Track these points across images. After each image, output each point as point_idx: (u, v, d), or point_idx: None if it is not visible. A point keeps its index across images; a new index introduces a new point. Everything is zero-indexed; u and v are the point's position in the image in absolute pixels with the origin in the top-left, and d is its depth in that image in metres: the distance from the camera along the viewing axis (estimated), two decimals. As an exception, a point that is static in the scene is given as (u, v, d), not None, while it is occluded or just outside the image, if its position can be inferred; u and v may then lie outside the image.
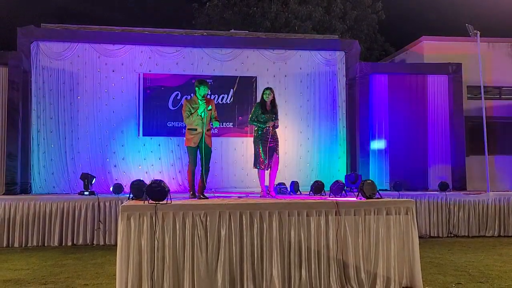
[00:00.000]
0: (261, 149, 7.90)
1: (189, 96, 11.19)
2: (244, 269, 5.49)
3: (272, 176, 8.07)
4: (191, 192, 7.43)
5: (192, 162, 7.48)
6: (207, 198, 7.29)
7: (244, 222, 5.55)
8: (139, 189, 6.18)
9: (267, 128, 7.88)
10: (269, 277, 5.53)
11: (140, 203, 5.57)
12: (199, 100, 7.44)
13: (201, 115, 7.34)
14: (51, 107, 11.99)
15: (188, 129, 7.49)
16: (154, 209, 5.31)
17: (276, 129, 8.04)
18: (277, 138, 8.06)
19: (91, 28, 12.84)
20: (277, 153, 8.02)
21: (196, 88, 7.52)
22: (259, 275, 5.53)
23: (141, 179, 7.10)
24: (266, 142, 7.87)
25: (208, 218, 5.46)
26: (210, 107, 7.46)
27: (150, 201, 5.45)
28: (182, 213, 5.41)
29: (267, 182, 8.18)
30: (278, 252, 5.58)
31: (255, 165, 8.05)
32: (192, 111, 7.40)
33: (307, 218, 5.74)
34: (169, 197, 5.54)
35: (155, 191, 5.47)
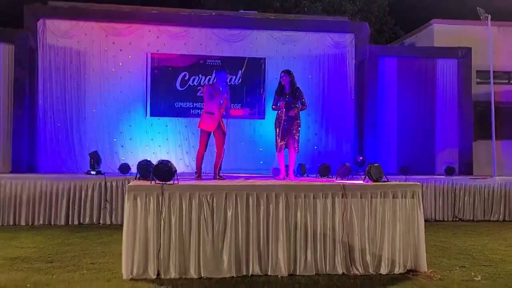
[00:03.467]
0: (275, 132, 7.91)
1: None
2: (250, 250, 5.50)
3: (291, 160, 8.04)
4: (197, 175, 7.50)
5: (204, 146, 7.62)
6: (223, 178, 7.47)
7: (250, 203, 5.54)
8: (146, 169, 6.17)
9: (282, 110, 7.84)
10: (275, 259, 5.54)
11: (147, 183, 5.57)
12: (220, 87, 7.63)
13: (220, 102, 7.57)
14: (58, 86, 11.97)
15: (206, 112, 7.62)
16: (160, 189, 5.32)
17: (302, 110, 8.01)
18: (295, 121, 7.90)
19: (98, 6, 12.75)
20: (293, 137, 7.91)
21: (216, 75, 7.86)
22: (265, 256, 5.55)
23: (148, 159, 7.08)
24: (280, 125, 7.84)
25: (214, 199, 5.46)
26: (227, 97, 7.70)
27: (157, 182, 5.45)
28: (188, 193, 5.41)
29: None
30: (284, 233, 5.58)
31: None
32: (213, 95, 7.56)
33: (314, 200, 5.73)
34: (176, 177, 5.53)
35: (162, 171, 5.47)
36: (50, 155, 11.82)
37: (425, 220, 10.10)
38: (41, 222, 9.45)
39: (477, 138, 13.47)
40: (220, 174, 7.66)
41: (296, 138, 7.95)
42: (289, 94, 7.87)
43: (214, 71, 7.96)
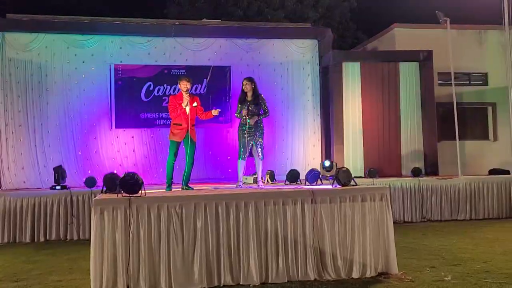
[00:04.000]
0: (240, 140, 7.87)
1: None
2: (221, 260, 5.45)
3: (257, 167, 8.03)
4: (167, 185, 7.40)
5: (172, 156, 7.51)
6: (192, 189, 7.38)
7: (220, 212, 5.50)
8: (112, 182, 6.07)
9: (244, 117, 7.81)
10: (247, 268, 5.50)
11: (114, 196, 5.47)
12: (184, 95, 7.46)
13: (185, 110, 7.39)
14: (19, 100, 11.73)
15: (174, 123, 7.55)
16: (128, 202, 5.23)
17: (264, 117, 7.97)
18: (258, 129, 7.88)
19: (59, 18, 12.57)
20: (257, 144, 7.88)
21: (178, 85, 7.70)
22: (236, 265, 5.50)
23: (115, 171, 6.98)
24: (244, 133, 7.81)
25: (183, 210, 5.39)
26: (195, 104, 7.50)
27: (124, 194, 5.36)
28: (157, 205, 5.33)
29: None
30: (254, 242, 5.54)
31: (238, 156, 8.01)
32: (177, 106, 7.46)
33: (283, 207, 5.71)
34: (143, 189, 5.45)
35: (128, 183, 5.38)
36: (13, 170, 11.58)
37: (394, 222, 10.19)
38: (5, 240, 9.22)
39: (441, 138, 13.71)
40: (189, 185, 7.57)
41: (260, 145, 7.94)
42: (251, 101, 7.85)
43: (177, 81, 7.78)
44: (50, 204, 9.48)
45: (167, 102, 7.85)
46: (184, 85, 7.47)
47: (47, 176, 11.32)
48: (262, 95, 8.04)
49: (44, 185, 11.23)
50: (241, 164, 7.91)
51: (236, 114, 8.07)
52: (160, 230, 5.31)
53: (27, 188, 11.04)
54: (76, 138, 11.94)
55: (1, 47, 11.67)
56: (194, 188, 7.66)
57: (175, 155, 7.53)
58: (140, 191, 5.42)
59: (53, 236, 9.42)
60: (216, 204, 5.50)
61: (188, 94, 7.44)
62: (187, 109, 7.41)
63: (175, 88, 11.98)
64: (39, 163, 11.71)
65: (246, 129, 7.77)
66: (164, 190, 7.23)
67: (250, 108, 7.77)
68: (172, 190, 7.28)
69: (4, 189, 11.12)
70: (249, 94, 7.89)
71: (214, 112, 7.67)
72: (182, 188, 7.42)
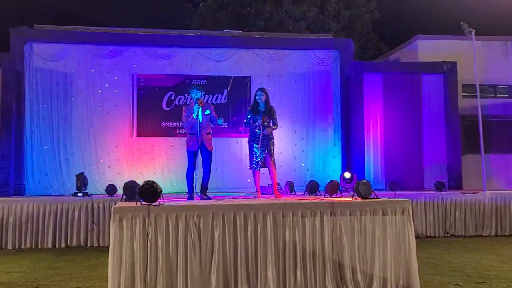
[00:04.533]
0: (254, 150, 7.86)
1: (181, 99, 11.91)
2: (238, 271, 5.41)
3: (273, 177, 8.02)
4: (189, 195, 7.44)
5: (191, 166, 7.60)
6: (210, 198, 7.43)
7: (238, 223, 5.47)
8: (132, 191, 6.09)
9: (257, 127, 7.81)
10: (264, 279, 5.45)
11: (133, 204, 5.49)
12: (195, 105, 7.51)
13: (198, 119, 7.42)
14: (45, 108, 11.92)
15: (188, 134, 7.66)
16: (146, 210, 5.24)
17: (274, 129, 7.97)
18: (271, 139, 7.96)
19: (85, 29, 12.83)
20: (270, 155, 7.91)
21: (190, 93, 7.77)
22: (253, 276, 5.45)
23: (135, 180, 7.00)
24: (257, 142, 7.80)
25: (201, 220, 5.38)
26: (208, 112, 7.52)
27: (143, 203, 5.37)
28: (175, 214, 5.33)
29: (262, 183, 8.17)
30: (272, 253, 5.50)
31: (250, 166, 8.02)
32: (189, 116, 7.54)
33: (302, 219, 5.66)
34: (162, 198, 5.46)
35: (147, 192, 5.38)
36: (37, 177, 11.76)
37: (416, 237, 10.05)
38: (28, 245, 9.32)
39: (465, 152, 13.51)
40: (207, 194, 7.60)
41: (273, 155, 7.95)
42: (265, 112, 7.87)
43: (189, 90, 7.91)
44: (71, 210, 9.57)
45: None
46: (194, 94, 7.57)
47: (70, 183, 11.45)
48: (274, 108, 8.07)
49: (67, 192, 11.37)
50: (257, 175, 7.90)
51: (245, 123, 8.07)
52: (178, 239, 5.31)
53: (50, 195, 11.16)
54: (98, 146, 12.07)
55: (29, 57, 11.88)
56: (213, 197, 7.66)
57: (194, 165, 7.60)
58: (159, 200, 5.42)
59: (74, 243, 9.49)
60: (234, 214, 5.47)
61: (198, 104, 7.48)
62: (199, 118, 7.45)
63: (196, 98, 12.03)
64: (62, 170, 11.87)
65: (260, 140, 7.76)
66: (185, 200, 7.24)
67: (264, 119, 7.81)
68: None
69: (28, 195, 11.27)
70: (262, 105, 7.91)
71: (219, 120, 7.72)
72: (201, 198, 7.47)
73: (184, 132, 11.90)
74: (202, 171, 7.65)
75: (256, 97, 7.98)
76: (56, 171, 11.86)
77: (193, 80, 12.39)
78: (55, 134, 11.92)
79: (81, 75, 12.13)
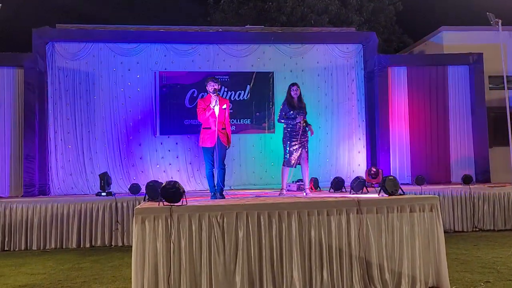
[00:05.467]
0: (288, 146, 7.77)
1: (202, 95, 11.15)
2: (263, 271, 5.31)
3: (304, 174, 7.93)
4: (212, 194, 7.23)
5: (210, 164, 7.21)
6: (224, 198, 7.15)
7: (262, 222, 5.37)
8: (154, 190, 6.04)
9: (298, 124, 7.71)
10: (290, 279, 5.34)
11: (155, 204, 5.43)
12: (212, 96, 7.21)
13: (214, 112, 7.12)
14: (68, 107, 11.96)
15: (203, 128, 7.27)
16: (169, 211, 5.16)
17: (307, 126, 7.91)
18: (306, 135, 7.90)
19: (106, 27, 12.83)
20: (306, 150, 7.85)
21: (206, 87, 7.39)
22: (279, 277, 5.35)
23: (157, 179, 6.96)
24: (296, 139, 7.71)
25: (225, 219, 5.30)
26: (224, 106, 7.24)
27: (165, 203, 5.30)
28: (198, 214, 5.25)
29: (289, 180, 8.11)
30: (298, 253, 5.39)
31: (283, 163, 7.92)
32: (205, 108, 7.18)
33: (328, 217, 5.54)
34: (184, 198, 5.38)
35: (169, 192, 5.31)
36: (62, 177, 11.79)
37: (444, 232, 9.90)
38: (52, 246, 9.32)
39: (493, 144, 13.23)
40: (223, 193, 7.27)
41: (307, 152, 7.87)
42: (300, 107, 7.79)
43: (204, 83, 7.50)
44: (95, 210, 9.56)
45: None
46: (211, 86, 7.20)
47: (94, 182, 11.51)
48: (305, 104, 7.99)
49: (91, 191, 11.41)
50: (286, 172, 7.82)
51: (281, 120, 7.96)
52: (201, 239, 5.23)
53: (74, 194, 11.20)
54: (121, 145, 12.07)
55: (51, 56, 11.92)
56: (237, 195, 7.54)
57: (211, 161, 7.20)
58: (181, 200, 5.35)
59: (99, 242, 9.49)
60: (258, 214, 5.37)
61: (216, 95, 7.17)
62: (216, 110, 7.11)
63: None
64: (86, 169, 11.90)
65: (300, 135, 7.68)
66: (208, 199, 7.09)
67: (301, 115, 7.74)
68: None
69: (53, 195, 11.33)
70: (296, 100, 7.80)
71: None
72: (216, 197, 7.17)
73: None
74: (217, 169, 7.25)
75: (291, 92, 7.88)
76: (80, 171, 11.89)
77: (216, 77, 12.27)
78: (78, 134, 11.95)
79: (103, 73, 12.15)
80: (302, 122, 7.72)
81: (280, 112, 7.99)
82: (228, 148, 7.45)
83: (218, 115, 7.16)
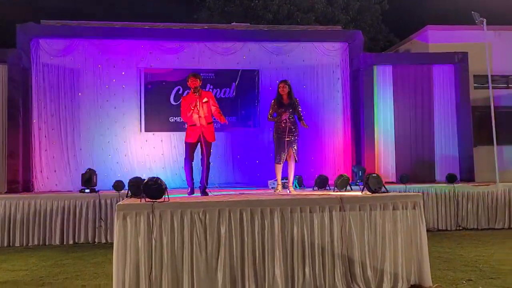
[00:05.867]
0: (276, 144, 7.76)
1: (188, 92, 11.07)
2: (245, 268, 5.29)
3: (290, 172, 7.92)
4: (189, 189, 7.22)
5: (189, 157, 7.26)
6: (207, 195, 7.12)
7: (244, 219, 5.34)
8: (137, 187, 5.99)
9: (283, 121, 7.69)
10: (272, 276, 5.33)
11: (138, 201, 5.39)
12: (193, 95, 7.20)
13: (197, 110, 7.10)
14: (52, 104, 11.85)
15: (188, 125, 7.32)
16: (151, 207, 5.13)
17: (300, 121, 7.86)
18: (296, 132, 7.84)
19: (91, 24, 12.70)
20: (293, 148, 7.80)
21: (187, 83, 7.36)
22: (261, 274, 5.34)
23: (140, 176, 6.90)
24: (282, 136, 7.69)
25: (207, 216, 5.27)
26: (205, 100, 7.21)
27: (147, 199, 5.27)
28: (180, 211, 5.22)
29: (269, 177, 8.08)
30: (280, 250, 5.38)
31: (275, 160, 7.91)
32: (187, 107, 7.19)
33: (310, 215, 5.54)
34: (166, 194, 5.35)
35: (151, 188, 5.27)
36: (46, 173, 11.69)
37: (428, 230, 9.88)
38: (35, 242, 9.28)
39: (477, 143, 13.31)
40: (206, 190, 7.27)
41: (296, 149, 7.85)
42: (289, 105, 7.75)
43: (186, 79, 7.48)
44: (79, 207, 9.52)
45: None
46: (192, 82, 7.19)
47: (78, 179, 11.36)
48: (298, 100, 7.94)
49: (75, 188, 11.31)
50: (278, 169, 7.80)
51: (269, 117, 7.94)
52: (183, 236, 5.20)
53: (58, 191, 11.11)
54: (106, 142, 11.99)
55: (35, 52, 11.80)
56: (222, 192, 7.51)
57: (190, 156, 7.24)
58: (163, 196, 5.32)
59: (82, 239, 9.45)
60: (240, 210, 5.35)
61: (197, 92, 7.16)
62: (199, 109, 7.11)
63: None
64: (71, 166, 11.82)
65: (287, 132, 7.65)
66: (188, 195, 7.08)
67: (288, 112, 7.69)
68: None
69: (37, 191, 11.23)
70: (285, 98, 7.78)
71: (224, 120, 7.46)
72: (201, 193, 7.19)
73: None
74: (203, 165, 7.27)
75: (279, 90, 7.86)
76: (64, 167, 11.80)
77: (201, 74, 12.18)
78: (62, 130, 11.85)
79: (88, 70, 12.04)
80: (288, 119, 7.68)
81: (269, 110, 7.97)
82: (213, 141, 7.48)
83: (200, 111, 7.16)
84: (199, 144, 7.29)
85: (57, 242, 9.32)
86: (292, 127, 7.76)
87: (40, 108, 11.77)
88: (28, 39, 11.66)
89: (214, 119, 7.60)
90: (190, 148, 7.25)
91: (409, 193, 6.25)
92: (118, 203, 5.40)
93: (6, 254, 8.27)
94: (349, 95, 12.86)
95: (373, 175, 6.25)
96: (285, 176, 9.73)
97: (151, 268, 5.06)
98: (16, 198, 9.51)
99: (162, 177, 5.64)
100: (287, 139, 7.69)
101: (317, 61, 12.90)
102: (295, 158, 7.86)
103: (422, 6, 22.31)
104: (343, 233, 5.56)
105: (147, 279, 5.04)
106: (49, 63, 11.87)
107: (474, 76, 13.84)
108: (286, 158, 7.87)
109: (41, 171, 11.67)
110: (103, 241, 9.42)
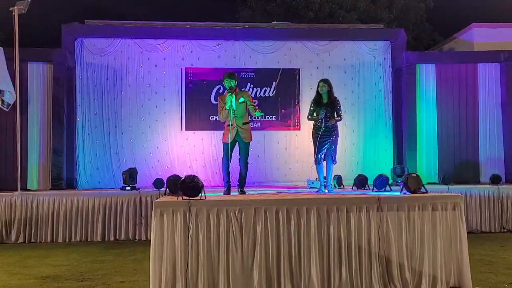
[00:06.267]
0: (315, 144, 7.67)
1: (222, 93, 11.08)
2: (281, 268, 5.29)
3: (328, 172, 7.82)
4: (225, 189, 7.19)
5: (225, 158, 7.14)
6: (244, 194, 7.10)
7: (280, 218, 5.34)
8: (175, 185, 6.05)
9: (320, 120, 7.60)
10: (308, 276, 5.31)
11: (175, 199, 5.45)
12: (228, 94, 7.12)
13: (232, 109, 7.00)
14: (96, 102, 12.11)
15: (225, 125, 7.22)
16: (187, 205, 5.18)
17: (338, 121, 7.74)
18: (334, 132, 7.71)
19: (133, 23, 12.90)
20: (332, 148, 7.69)
21: (223, 83, 7.27)
22: (297, 274, 5.32)
23: (182, 174, 6.93)
24: (319, 135, 7.61)
25: (243, 214, 5.29)
26: (242, 99, 7.13)
27: (184, 197, 5.32)
28: (216, 209, 5.26)
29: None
30: (316, 249, 5.35)
31: (314, 160, 7.84)
32: (223, 107, 7.10)
33: (347, 214, 5.49)
34: (203, 192, 5.38)
35: (188, 186, 5.33)
36: (89, 171, 11.96)
37: (471, 232, 9.75)
38: (78, 238, 9.50)
39: (524, 144, 12.89)
40: (243, 189, 7.19)
41: (334, 149, 7.73)
42: (328, 104, 7.63)
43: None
44: (120, 204, 9.69)
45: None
46: (227, 83, 7.09)
47: (120, 177, 11.59)
48: (338, 98, 7.82)
49: (117, 185, 11.52)
50: (319, 169, 7.71)
51: (308, 117, 7.86)
52: (219, 234, 5.24)
53: (101, 188, 11.34)
54: (147, 140, 12.16)
55: (80, 52, 12.08)
56: (259, 191, 7.48)
57: (227, 156, 7.10)
58: (200, 195, 5.36)
59: (123, 236, 9.63)
60: (276, 209, 5.35)
61: (232, 92, 7.04)
62: (234, 106, 6.98)
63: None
64: (113, 164, 12.03)
65: (321, 132, 7.56)
66: (223, 194, 7.04)
67: (326, 111, 7.56)
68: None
69: (80, 188, 11.50)
70: (325, 97, 7.69)
71: (258, 112, 7.24)
72: (238, 192, 7.13)
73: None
74: (240, 164, 7.21)
75: (319, 89, 7.77)
76: (106, 165, 12.04)
77: (241, 73, 12.28)
78: (105, 128, 12.10)
79: (130, 69, 12.25)
80: (324, 118, 7.57)
81: (309, 109, 7.89)
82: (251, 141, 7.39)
83: (236, 111, 7.05)
84: (236, 144, 7.25)
85: (99, 239, 9.52)
86: (330, 127, 7.63)
87: (84, 106, 12.04)
88: (72, 39, 11.96)
89: (252, 117, 7.53)
90: (225, 148, 7.14)
91: (449, 194, 6.07)
92: (156, 200, 5.47)
93: (49, 250, 8.49)
94: (391, 94, 12.68)
95: (413, 175, 6.15)
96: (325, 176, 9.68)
97: (187, 265, 5.12)
98: (59, 194, 9.76)
99: (202, 176, 5.69)
100: (325, 138, 7.59)
101: (359, 60, 12.76)
102: (333, 159, 7.73)
103: (467, 4, 21.75)
104: (381, 233, 5.49)
105: (184, 276, 5.10)
106: (93, 63, 12.14)
107: (522, 74, 13.40)
108: (324, 158, 7.77)
109: (84, 169, 11.94)
110: (143, 238, 9.56)
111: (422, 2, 22.87)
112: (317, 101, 7.72)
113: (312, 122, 7.82)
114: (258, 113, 7.22)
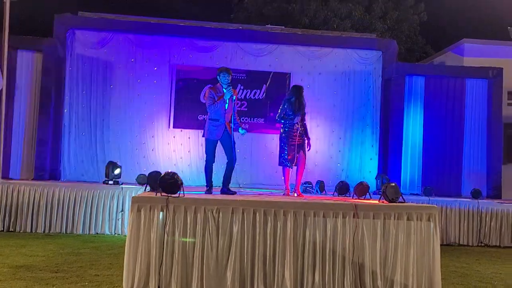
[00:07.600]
0: (286, 146, 7.76)
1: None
2: (255, 269, 5.31)
3: (299, 175, 7.91)
4: (207, 188, 7.20)
5: (211, 157, 7.15)
6: (235, 193, 7.12)
7: (257, 219, 5.36)
8: (156, 181, 6.06)
9: (295, 124, 7.70)
10: (281, 279, 5.33)
11: (153, 195, 5.46)
12: (223, 88, 7.09)
13: (224, 106, 7.01)
14: (84, 95, 12.06)
15: (210, 119, 7.13)
16: (165, 201, 5.20)
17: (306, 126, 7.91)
18: (305, 137, 7.89)
19: (127, 18, 12.88)
20: (304, 152, 7.85)
21: (218, 77, 7.21)
22: (270, 275, 5.35)
23: (158, 171, 6.94)
24: (293, 139, 7.70)
25: (220, 214, 5.31)
26: (234, 97, 7.12)
27: (163, 194, 5.34)
28: (194, 207, 5.27)
29: (292, 181, 8.08)
30: (291, 253, 5.38)
31: (279, 163, 7.93)
32: (216, 99, 7.02)
33: (324, 219, 5.52)
34: (182, 190, 5.40)
35: (167, 183, 5.34)
36: (73, 163, 11.89)
37: (449, 244, 9.84)
38: (57, 230, 9.44)
39: (507, 161, 13.05)
40: (230, 188, 7.24)
41: (305, 152, 7.89)
42: (302, 109, 7.81)
43: (217, 72, 7.28)
44: (101, 198, 9.65)
45: (203, 97, 7.36)
46: (224, 77, 7.05)
47: (104, 171, 11.56)
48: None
49: (101, 179, 11.46)
50: (288, 172, 7.81)
51: (277, 118, 7.95)
52: (195, 232, 5.25)
53: (84, 181, 11.30)
54: (134, 136, 12.14)
55: (71, 43, 12.02)
56: (241, 193, 7.50)
57: (213, 155, 7.13)
58: (179, 192, 5.38)
59: (102, 230, 9.59)
60: (254, 210, 5.37)
61: (230, 88, 7.04)
62: (227, 103, 6.98)
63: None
64: (98, 157, 11.97)
65: (298, 136, 7.67)
66: (204, 193, 7.05)
67: (301, 116, 7.75)
68: (213, 193, 7.10)
69: (63, 180, 11.45)
70: (300, 102, 7.82)
71: (241, 130, 7.38)
72: (223, 191, 7.14)
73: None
74: (227, 160, 7.19)
75: (292, 92, 7.93)
76: (91, 158, 11.97)
77: (232, 74, 12.27)
78: (92, 122, 12.04)
79: (121, 63, 12.22)
80: (299, 122, 7.73)
81: (279, 112, 7.97)
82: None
83: (227, 108, 7.06)
84: (218, 142, 7.19)
85: (79, 232, 9.46)
86: (303, 131, 7.92)
87: (72, 98, 11.99)
88: (64, 30, 11.88)
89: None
90: (213, 146, 7.12)
91: (425, 205, 6.13)
92: (134, 195, 5.49)
93: (26, 239, 8.43)
94: (380, 103, 12.76)
95: (391, 184, 6.20)
96: (308, 181, 9.77)
97: (162, 262, 5.12)
98: (40, 185, 9.67)
99: (187, 175, 5.67)
100: (298, 143, 7.76)
101: (349, 68, 12.84)
102: (305, 163, 7.98)
103: (460, 19, 21.95)
104: (355, 240, 5.53)
105: (157, 273, 5.11)
106: (84, 55, 12.10)
107: (508, 92, 13.61)
108: (296, 163, 7.89)
109: (68, 161, 11.87)
110: (123, 233, 9.53)
111: (416, 15, 23.06)
112: (290, 104, 7.89)
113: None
114: (242, 131, 7.38)
